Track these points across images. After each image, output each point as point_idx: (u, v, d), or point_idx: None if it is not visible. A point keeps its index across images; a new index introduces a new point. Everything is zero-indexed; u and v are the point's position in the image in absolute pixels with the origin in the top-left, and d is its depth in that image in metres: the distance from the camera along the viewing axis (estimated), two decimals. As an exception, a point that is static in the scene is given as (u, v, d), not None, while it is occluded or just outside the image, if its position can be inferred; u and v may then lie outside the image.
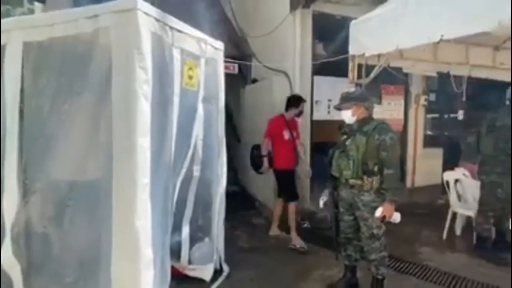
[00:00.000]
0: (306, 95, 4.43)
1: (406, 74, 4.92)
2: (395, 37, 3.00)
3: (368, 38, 3.30)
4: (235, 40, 5.75)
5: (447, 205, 3.91)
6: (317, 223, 4.17)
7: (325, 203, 2.67)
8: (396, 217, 2.36)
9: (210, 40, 2.53)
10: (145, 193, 1.75)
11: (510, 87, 3.44)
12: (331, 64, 4.23)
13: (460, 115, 5.50)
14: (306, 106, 4.46)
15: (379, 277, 2.50)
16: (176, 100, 2.03)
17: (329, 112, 4.56)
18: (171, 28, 1.97)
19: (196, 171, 2.54)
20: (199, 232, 2.79)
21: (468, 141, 3.48)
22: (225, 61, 4.93)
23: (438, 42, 3.00)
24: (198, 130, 2.38)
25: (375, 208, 2.37)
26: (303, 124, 4.42)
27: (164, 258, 2.05)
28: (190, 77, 2.18)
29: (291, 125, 3.79)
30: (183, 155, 2.23)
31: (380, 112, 5.22)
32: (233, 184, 5.88)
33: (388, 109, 5.19)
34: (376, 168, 2.38)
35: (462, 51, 4.40)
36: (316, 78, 4.53)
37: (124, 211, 1.72)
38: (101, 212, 1.79)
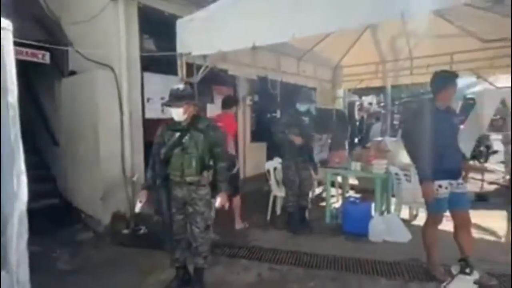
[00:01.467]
0: (135, 92, 4.15)
1: (234, 77, 5.39)
2: (217, 40, 3.20)
3: (193, 38, 3.38)
4: (44, 23, 4.75)
5: (269, 191, 4.55)
6: (154, 227, 3.99)
7: (143, 207, 2.55)
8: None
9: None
10: None
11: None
12: (163, 61, 4.11)
13: (278, 113, 6.52)
14: (137, 104, 4.20)
15: (205, 266, 2.62)
16: None
17: (162, 111, 4.43)
18: None
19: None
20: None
21: (280, 136, 4.08)
22: (31, 47, 4.04)
23: (254, 49, 3.43)
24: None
25: (209, 201, 2.57)
26: (136, 123, 4.14)
27: None
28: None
29: None
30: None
31: (213, 111, 5.54)
32: (51, 196, 4.90)
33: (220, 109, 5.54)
34: (211, 163, 2.57)
35: (275, 59, 5.22)
36: (146, 74, 4.30)
37: None
38: None
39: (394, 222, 3.66)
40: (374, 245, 3.50)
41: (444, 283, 1.86)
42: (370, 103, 14.70)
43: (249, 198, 5.35)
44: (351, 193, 5.26)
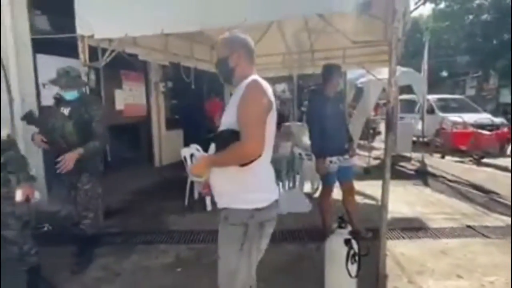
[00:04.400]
0: (27, 77, 3.71)
1: (145, 62, 5.21)
2: (124, 24, 3.08)
3: (96, 20, 3.17)
4: None
5: (186, 177, 4.63)
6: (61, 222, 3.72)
7: None
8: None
9: None
10: None
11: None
12: (60, 42, 3.74)
13: (193, 100, 6.57)
14: (29, 90, 3.75)
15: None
16: None
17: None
18: None
19: None
20: None
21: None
22: None
23: (166, 35, 3.40)
24: None
25: None
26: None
27: None
28: None
29: None
30: None
31: (124, 98, 5.28)
32: None
33: (131, 95, 5.32)
34: None
35: (188, 46, 5.22)
36: (40, 56, 3.86)
37: None
38: None
39: (298, 196, 4.18)
40: (280, 217, 3.90)
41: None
42: (283, 91, 15.70)
43: (165, 185, 5.36)
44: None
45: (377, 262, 2.32)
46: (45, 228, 3.62)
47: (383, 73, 6.47)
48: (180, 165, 5.76)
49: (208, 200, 4.24)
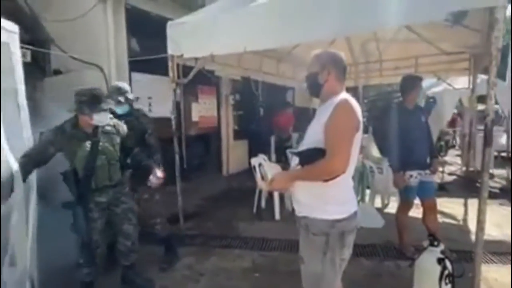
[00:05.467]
0: (125, 92, 4.23)
1: (218, 77, 5.58)
2: (209, 44, 3.37)
3: (185, 41, 3.52)
4: (20, 19, 4.64)
5: (255, 185, 4.81)
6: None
7: None
8: None
9: (-1, 19, 2.01)
10: None
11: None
12: (149, 61, 4.22)
13: (261, 112, 6.81)
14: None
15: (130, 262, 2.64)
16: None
17: (150, 110, 4.53)
18: None
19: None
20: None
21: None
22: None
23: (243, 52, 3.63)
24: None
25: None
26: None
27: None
28: (-25, 65, 1.67)
29: None
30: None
31: (199, 110, 5.70)
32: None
33: (205, 107, 5.72)
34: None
35: (257, 60, 5.47)
36: (134, 74, 4.39)
37: None
38: None
39: (369, 211, 4.07)
40: (352, 231, 3.87)
41: (415, 257, 2.21)
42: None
43: (233, 194, 5.60)
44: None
45: (471, 285, 2.17)
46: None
47: (460, 82, 6.05)
48: (245, 174, 5.99)
49: (277, 209, 4.34)
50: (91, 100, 2.32)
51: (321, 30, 2.81)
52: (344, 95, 1.53)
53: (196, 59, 3.79)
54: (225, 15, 3.25)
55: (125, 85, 2.95)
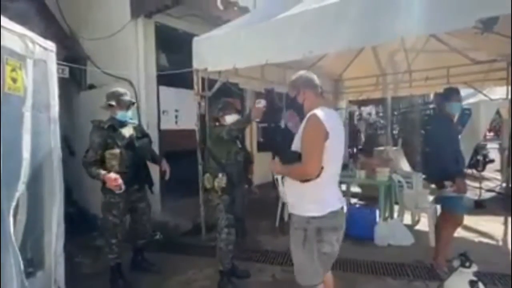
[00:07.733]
0: (152, 105, 4.41)
1: (242, 89, 5.66)
2: (233, 57, 3.46)
3: (210, 55, 3.64)
4: (62, 39, 5.02)
5: (278, 198, 4.75)
6: (170, 232, 4.19)
7: None
8: None
9: (38, 38, 2.18)
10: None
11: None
12: (175, 75, 4.38)
13: (283, 124, 6.77)
14: (153, 116, 4.44)
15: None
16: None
17: (176, 122, 4.67)
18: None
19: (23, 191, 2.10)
20: (28, 267, 2.30)
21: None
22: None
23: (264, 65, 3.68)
24: (26, 143, 2.00)
25: None
26: (152, 134, 4.36)
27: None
28: (14, 80, 1.82)
29: None
30: (13, 174, 1.81)
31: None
32: (67, 205, 5.05)
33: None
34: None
35: (281, 72, 5.50)
36: (161, 88, 4.56)
37: None
38: None
39: (398, 227, 3.87)
40: (379, 248, 3.70)
41: (445, 277, 2.06)
42: (369, 114, 14.95)
43: (255, 206, 5.55)
44: (355, 200, 5.47)
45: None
46: (157, 236, 4.12)
47: (497, 92, 5.70)
48: (268, 186, 5.93)
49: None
50: None
51: (342, 41, 2.79)
52: (315, 110, 1.76)
53: (219, 72, 3.88)
54: (247, 30, 3.33)
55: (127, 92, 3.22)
